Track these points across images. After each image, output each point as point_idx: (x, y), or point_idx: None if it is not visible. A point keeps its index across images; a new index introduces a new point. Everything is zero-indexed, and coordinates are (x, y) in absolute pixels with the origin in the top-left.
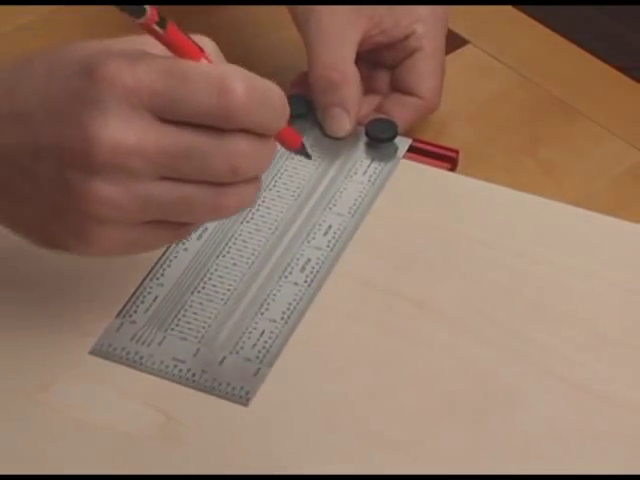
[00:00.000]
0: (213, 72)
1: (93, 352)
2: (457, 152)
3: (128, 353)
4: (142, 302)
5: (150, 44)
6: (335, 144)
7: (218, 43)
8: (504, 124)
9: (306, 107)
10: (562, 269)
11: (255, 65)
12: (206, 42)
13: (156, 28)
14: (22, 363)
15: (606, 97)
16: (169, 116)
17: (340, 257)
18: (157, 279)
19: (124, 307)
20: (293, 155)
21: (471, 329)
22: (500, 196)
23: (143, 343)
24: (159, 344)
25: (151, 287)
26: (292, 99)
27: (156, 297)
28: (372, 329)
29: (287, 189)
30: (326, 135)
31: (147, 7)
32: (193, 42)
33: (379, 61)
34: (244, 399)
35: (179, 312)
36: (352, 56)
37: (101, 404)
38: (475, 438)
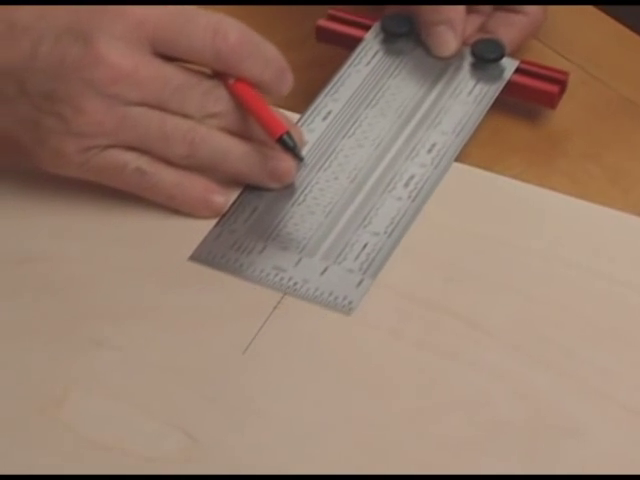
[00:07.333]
0: (213, 17)
1: (193, 258)
2: (567, 74)
3: (228, 260)
4: (242, 212)
5: None
6: (439, 64)
7: None
8: (567, 126)
9: (407, 26)
10: (625, 286)
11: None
12: None
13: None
14: (35, 376)
15: None
16: (167, 50)
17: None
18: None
19: (222, 217)
20: (395, 74)
21: (524, 350)
22: (560, 205)
23: (244, 251)
24: (260, 252)
25: (250, 199)
26: (393, 18)
27: (255, 208)
28: (416, 347)
29: (389, 107)
30: (430, 55)
31: None
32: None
33: None
34: (347, 308)
35: (280, 223)
36: None
37: (118, 423)
38: (526, 470)
